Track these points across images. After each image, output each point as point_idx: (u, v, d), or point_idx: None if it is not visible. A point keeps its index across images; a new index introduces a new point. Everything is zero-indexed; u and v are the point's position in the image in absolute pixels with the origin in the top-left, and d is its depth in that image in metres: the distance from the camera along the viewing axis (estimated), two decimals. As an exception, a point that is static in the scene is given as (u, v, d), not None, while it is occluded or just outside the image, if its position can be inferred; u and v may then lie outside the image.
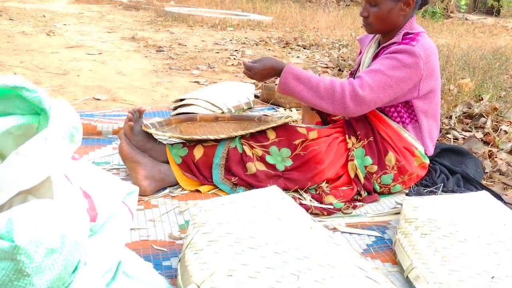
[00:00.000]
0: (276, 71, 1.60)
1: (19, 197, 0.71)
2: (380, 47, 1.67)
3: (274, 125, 1.62)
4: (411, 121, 1.67)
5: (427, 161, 1.71)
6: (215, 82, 3.43)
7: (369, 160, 1.61)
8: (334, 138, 1.64)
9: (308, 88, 1.54)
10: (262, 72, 1.61)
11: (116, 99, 2.80)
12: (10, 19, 6.08)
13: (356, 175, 1.62)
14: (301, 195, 1.59)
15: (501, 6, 15.88)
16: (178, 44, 5.20)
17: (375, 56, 1.69)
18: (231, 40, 5.82)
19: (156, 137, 1.67)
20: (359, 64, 1.80)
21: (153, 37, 5.58)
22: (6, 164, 0.60)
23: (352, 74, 1.87)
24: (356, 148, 1.62)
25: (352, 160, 1.61)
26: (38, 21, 6.19)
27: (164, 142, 1.70)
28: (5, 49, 4.03)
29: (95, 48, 4.54)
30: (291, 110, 2.73)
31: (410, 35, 1.59)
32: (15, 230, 0.58)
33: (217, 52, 4.83)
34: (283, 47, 5.52)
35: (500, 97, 3.13)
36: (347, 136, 1.63)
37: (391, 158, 1.62)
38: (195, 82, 3.44)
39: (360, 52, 1.89)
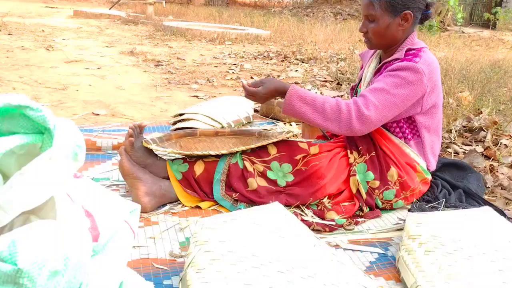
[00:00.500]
0: (279, 92, 1.58)
1: (21, 217, 0.70)
2: (382, 63, 1.67)
3: (275, 140, 1.61)
4: (413, 137, 1.67)
5: (429, 177, 1.70)
6: (214, 97, 3.43)
7: (371, 175, 1.60)
8: (336, 153, 1.64)
9: (313, 109, 1.53)
10: (266, 96, 1.59)
11: (115, 114, 2.80)
12: (9, 34, 6.10)
13: (358, 191, 1.60)
14: (302, 211, 1.57)
15: (497, 19, 16.03)
16: (177, 58, 5.22)
17: (377, 71, 1.69)
18: (229, 54, 5.85)
19: (156, 152, 1.66)
20: (360, 79, 1.80)
21: (152, 51, 5.60)
22: (10, 185, 0.59)
23: (353, 89, 1.87)
24: (358, 163, 1.61)
25: (354, 175, 1.60)
26: (37, 36, 6.21)
27: (165, 157, 1.69)
28: (4, 65, 4.03)
29: (94, 62, 4.55)
30: (291, 125, 2.73)
31: (413, 51, 1.60)
32: (19, 252, 0.57)
33: (216, 66, 4.85)
34: (282, 60, 5.55)
35: (499, 110, 3.13)
36: (348, 151, 1.63)
37: (393, 173, 1.61)
38: (194, 96, 3.44)
39: (362, 67, 1.89)
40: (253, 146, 1.61)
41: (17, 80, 3.46)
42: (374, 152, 1.62)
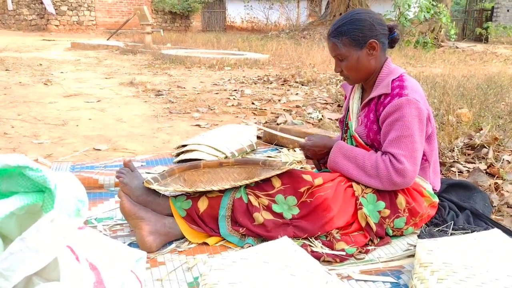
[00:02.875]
0: (327, 148, 1.71)
1: (23, 279, 0.68)
2: (369, 98, 1.66)
3: (279, 172, 1.59)
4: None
5: (437, 200, 1.69)
6: (216, 125, 3.42)
7: (382, 204, 1.59)
8: (339, 182, 1.62)
9: (355, 165, 1.61)
10: (314, 149, 1.74)
11: (117, 148, 2.78)
12: (7, 70, 6.13)
13: (368, 224, 1.58)
14: (311, 242, 1.54)
15: (489, 34, 16.22)
16: (177, 86, 5.23)
17: (366, 105, 1.69)
18: (229, 80, 5.88)
19: (159, 191, 1.63)
20: (347, 111, 1.80)
21: (151, 80, 5.63)
22: (10, 251, 0.57)
23: (342, 122, 1.86)
24: (366, 193, 1.59)
25: (361, 208, 1.58)
26: (34, 70, 6.25)
27: (166, 193, 1.66)
28: (2, 102, 4.03)
29: (94, 95, 4.56)
30: (294, 150, 2.72)
31: (397, 82, 1.60)
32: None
33: (217, 93, 4.86)
34: (282, 84, 5.57)
35: (498, 125, 3.13)
36: (353, 183, 1.61)
37: (401, 200, 1.59)
38: (196, 125, 3.43)
39: (346, 97, 1.89)
40: (256, 179, 1.59)
41: (15, 118, 3.45)
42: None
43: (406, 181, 1.55)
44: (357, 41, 1.60)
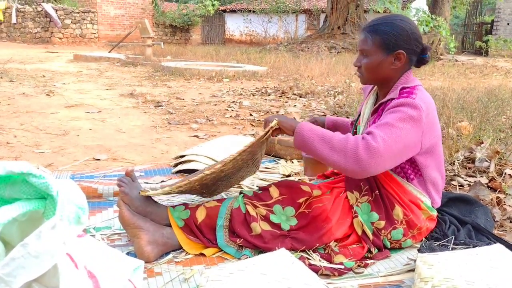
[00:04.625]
0: (295, 122, 1.56)
1: (23, 285, 0.67)
2: (378, 103, 1.65)
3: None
4: (416, 176, 1.63)
5: (435, 213, 1.67)
6: (215, 135, 3.43)
7: (375, 215, 1.57)
8: (338, 193, 1.61)
9: (321, 138, 1.47)
10: (286, 120, 1.57)
11: (116, 158, 2.78)
12: (11, 81, 6.17)
13: (364, 232, 1.57)
14: (309, 254, 1.54)
15: (489, 47, 16.29)
16: (176, 98, 5.26)
17: (374, 111, 1.67)
18: (227, 91, 5.91)
19: (155, 198, 1.63)
20: (359, 114, 1.80)
21: (151, 92, 5.65)
22: (12, 257, 0.57)
23: (352, 124, 1.86)
24: (360, 203, 1.58)
25: (356, 216, 1.57)
26: (38, 81, 6.29)
27: (165, 203, 1.65)
28: (5, 112, 4.06)
29: (95, 106, 4.58)
30: (292, 162, 2.72)
31: (407, 89, 1.58)
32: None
33: (215, 104, 4.88)
34: (280, 96, 5.59)
35: (499, 139, 3.13)
36: (348, 192, 1.60)
37: (398, 212, 1.58)
38: (195, 136, 3.44)
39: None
40: (248, 145, 1.57)
41: (18, 128, 3.47)
42: (377, 191, 1.59)
43: (371, 163, 1.41)
44: (387, 45, 1.56)
